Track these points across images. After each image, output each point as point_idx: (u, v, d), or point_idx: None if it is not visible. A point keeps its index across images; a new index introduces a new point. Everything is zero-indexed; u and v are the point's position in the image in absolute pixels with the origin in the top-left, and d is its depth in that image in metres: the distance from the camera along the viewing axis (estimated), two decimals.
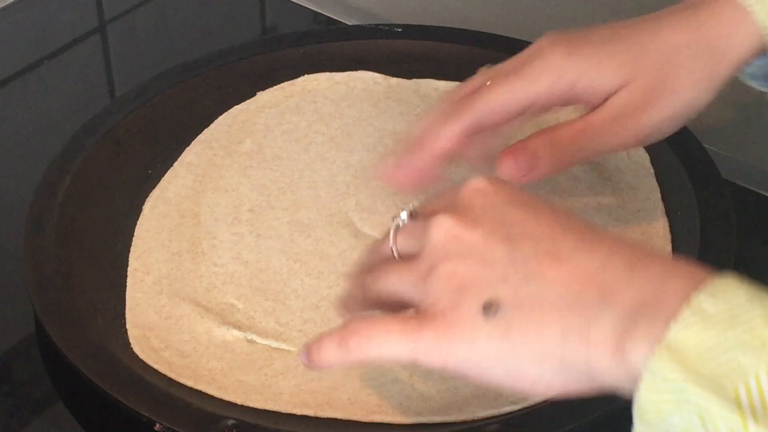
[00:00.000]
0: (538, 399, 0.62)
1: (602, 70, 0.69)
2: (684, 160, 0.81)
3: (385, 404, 0.68)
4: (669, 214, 0.79)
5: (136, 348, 0.72)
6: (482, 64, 0.89)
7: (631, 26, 0.71)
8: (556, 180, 0.81)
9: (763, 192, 0.84)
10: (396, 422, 0.67)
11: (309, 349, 0.59)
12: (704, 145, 0.82)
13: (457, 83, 0.89)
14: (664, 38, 0.70)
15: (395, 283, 0.59)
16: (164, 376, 0.70)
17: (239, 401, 0.69)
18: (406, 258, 0.59)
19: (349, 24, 1.01)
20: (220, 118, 0.88)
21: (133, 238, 0.79)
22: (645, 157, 0.83)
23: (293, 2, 1.04)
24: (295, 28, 1.04)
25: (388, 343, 0.56)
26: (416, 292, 0.57)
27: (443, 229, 0.57)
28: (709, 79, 0.70)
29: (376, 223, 0.79)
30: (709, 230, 0.76)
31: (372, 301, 0.60)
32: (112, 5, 1.06)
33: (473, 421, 0.67)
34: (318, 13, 1.03)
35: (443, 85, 0.90)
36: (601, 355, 0.52)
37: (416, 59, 0.91)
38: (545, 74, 0.69)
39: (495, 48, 0.90)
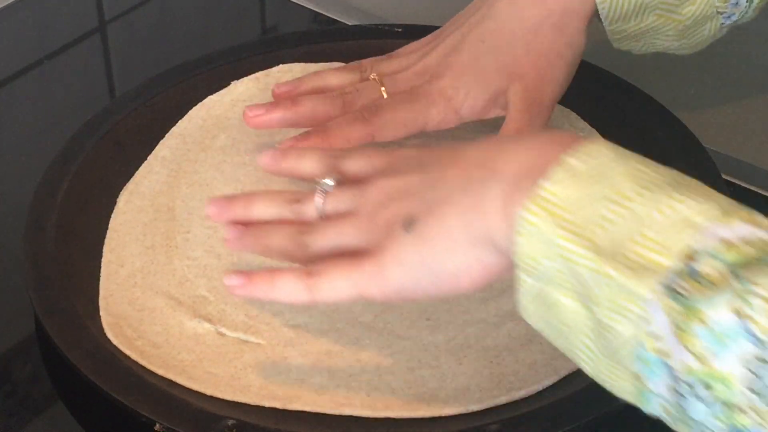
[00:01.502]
0: (464, 290, 0.62)
1: (485, 83, 0.78)
2: (684, 160, 0.81)
3: (353, 396, 0.69)
4: None
5: (110, 334, 0.73)
6: None
7: (495, 17, 0.79)
8: None
9: (763, 192, 0.84)
10: (365, 416, 0.68)
11: (257, 279, 0.66)
12: (704, 145, 0.82)
13: None
14: (526, 21, 0.78)
15: (335, 238, 0.65)
16: (138, 363, 0.71)
17: (208, 392, 0.69)
18: (333, 217, 0.66)
19: (349, 24, 1.01)
20: (194, 110, 0.88)
21: (108, 231, 0.80)
22: None
23: (293, 2, 1.04)
24: (295, 28, 1.04)
25: (337, 281, 0.64)
26: (359, 240, 0.64)
27: (377, 186, 0.65)
28: (574, 36, 0.79)
29: None
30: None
31: (312, 257, 0.66)
32: (112, 5, 1.06)
33: (472, 420, 0.68)
34: (318, 13, 1.03)
35: None
36: (495, 220, 0.59)
37: None
38: (437, 103, 0.78)
39: None
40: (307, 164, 0.70)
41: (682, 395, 0.54)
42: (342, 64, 0.91)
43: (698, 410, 0.54)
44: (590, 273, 0.55)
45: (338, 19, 1.02)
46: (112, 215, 0.81)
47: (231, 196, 0.71)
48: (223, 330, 0.73)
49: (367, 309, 0.74)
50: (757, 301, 0.52)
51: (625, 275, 0.54)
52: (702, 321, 0.52)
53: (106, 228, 0.80)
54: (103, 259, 0.78)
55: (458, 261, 0.61)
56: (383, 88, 0.81)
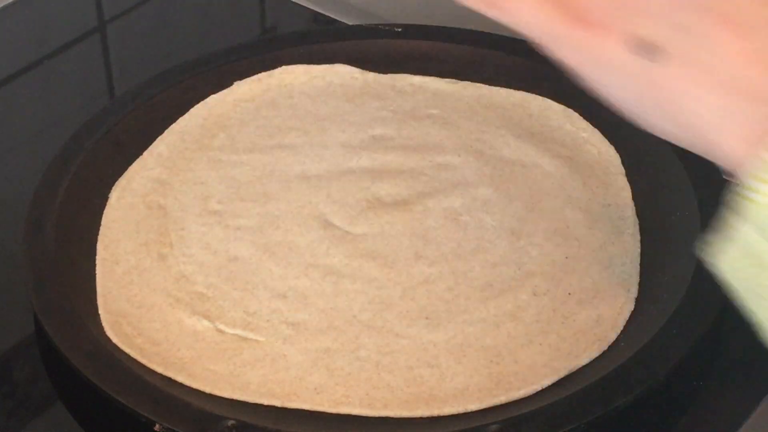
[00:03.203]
0: None
1: None
2: (684, 160, 0.81)
3: (351, 395, 0.69)
4: (665, 214, 0.79)
5: (110, 332, 0.73)
6: (482, 64, 0.89)
7: None
8: (527, 175, 0.82)
9: None
10: (363, 415, 0.68)
11: None
12: None
13: (446, 80, 0.89)
14: None
15: None
16: (138, 362, 0.71)
17: (208, 390, 0.70)
18: None
19: (349, 24, 1.01)
20: (195, 108, 0.88)
21: (101, 227, 0.80)
22: (615, 156, 0.83)
23: (293, 2, 1.04)
24: (295, 28, 1.04)
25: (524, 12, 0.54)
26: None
27: None
28: None
29: (347, 215, 0.79)
30: (709, 230, 0.76)
31: None
32: (112, 5, 1.06)
33: (471, 419, 0.68)
34: (318, 13, 1.03)
35: (419, 80, 0.90)
36: (736, 145, 0.49)
37: (416, 59, 0.91)
38: None
39: (495, 48, 0.90)
40: None
41: None
42: (343, 65, 0.91)
43: None
44: None
45: (338, 19, 1.02)
46: (105, 211, 0.81)
47: None
48: (222, 327, 0.73)
49: (366, 307, 0.74)
50: None
51: None
52: None
53: None
54: (97, 257, 0.78)
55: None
56: None
